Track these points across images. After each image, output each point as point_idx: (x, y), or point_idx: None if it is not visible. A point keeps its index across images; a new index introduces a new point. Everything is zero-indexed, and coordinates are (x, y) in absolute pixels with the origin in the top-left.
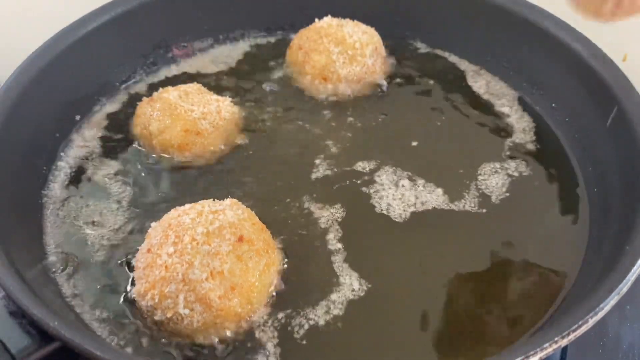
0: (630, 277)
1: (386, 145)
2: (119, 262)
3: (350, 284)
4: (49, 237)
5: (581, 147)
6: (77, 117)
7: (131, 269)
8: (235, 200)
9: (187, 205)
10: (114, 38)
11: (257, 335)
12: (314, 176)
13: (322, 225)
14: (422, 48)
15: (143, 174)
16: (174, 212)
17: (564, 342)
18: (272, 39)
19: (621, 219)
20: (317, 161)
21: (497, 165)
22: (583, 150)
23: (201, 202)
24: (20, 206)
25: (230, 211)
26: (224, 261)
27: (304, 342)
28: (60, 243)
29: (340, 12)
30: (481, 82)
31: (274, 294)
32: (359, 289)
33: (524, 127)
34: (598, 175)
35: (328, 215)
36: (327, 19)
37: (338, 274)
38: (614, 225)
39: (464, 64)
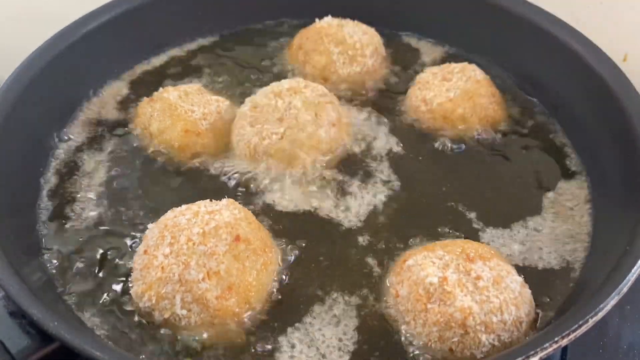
0: (630, 277)
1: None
2: (118, 263)
3: None
4: (48, 238)
5: (581, 147)
6: (76, 118)
7: (129, 270)
8: (232, 200)
9: (184, 206)
10: (114, 38)
11: (256, 334)
12: (313, 174)
13: (323, 223)
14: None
15: (143, 175)
16: (170, 214)
17: (564, 342)
18: (272, 39)
19: (622, 219)
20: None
21: None
22: (583, 150)
23: (198, 202)
24: (19, 206)
25: (226, 211)
26: (220, 261)
27: (305, 339)
28: (60, 243)
29: (340, 12)
30: None
31: (274, 292)
32: None
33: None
34: (599, 175)
35: (328, 212)
36: (327, 19)
37: None
38: (615, 226)
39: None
